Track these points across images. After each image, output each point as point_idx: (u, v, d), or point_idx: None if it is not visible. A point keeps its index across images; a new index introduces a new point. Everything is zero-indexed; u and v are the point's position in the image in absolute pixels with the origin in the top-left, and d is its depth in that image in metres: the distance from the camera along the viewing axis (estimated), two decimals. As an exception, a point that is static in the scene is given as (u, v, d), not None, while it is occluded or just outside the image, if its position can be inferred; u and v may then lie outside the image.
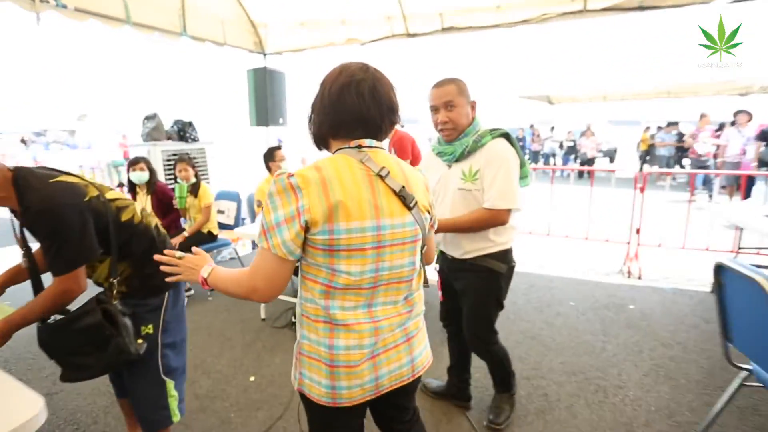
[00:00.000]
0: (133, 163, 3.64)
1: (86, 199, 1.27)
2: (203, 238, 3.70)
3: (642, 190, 3.91)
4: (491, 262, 1.68)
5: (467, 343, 1.87)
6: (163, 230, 1.57)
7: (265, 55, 4.99)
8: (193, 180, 3.70)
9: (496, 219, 1.58)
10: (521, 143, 12.73)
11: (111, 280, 1.37)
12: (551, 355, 2.57)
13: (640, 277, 3.82)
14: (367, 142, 0.95)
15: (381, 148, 0.99)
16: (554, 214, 4.81)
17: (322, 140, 1.01)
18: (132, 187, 3.73)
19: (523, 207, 1.62)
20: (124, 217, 1.40)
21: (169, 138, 4.64)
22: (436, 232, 1.36)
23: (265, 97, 4.46)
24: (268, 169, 3.66)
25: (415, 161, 3.59)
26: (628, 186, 4.45)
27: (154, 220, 1.55)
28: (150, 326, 1.47)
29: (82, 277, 1.27)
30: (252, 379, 2.43)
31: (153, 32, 3.87)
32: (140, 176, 3.60)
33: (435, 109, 1.62)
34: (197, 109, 4.89)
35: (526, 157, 5.48)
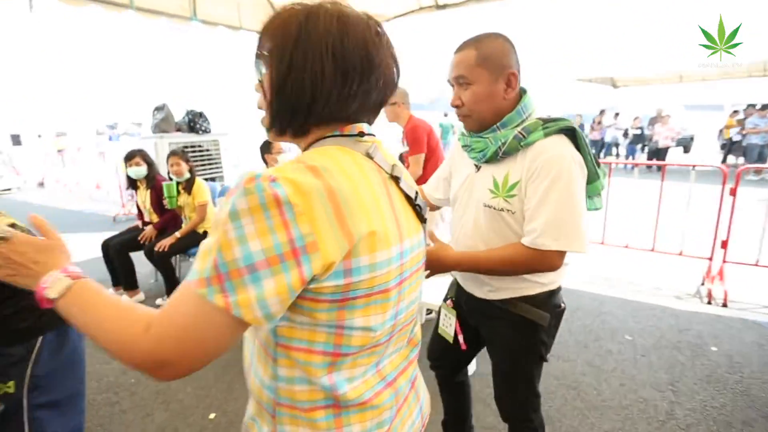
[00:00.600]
0: (129, 158, 3.43)
1: None
2: (198, 240, 3.39)
3: (733, 191, 3.03)
4: (529, 309, 1.15)
5: (499, 408, 1.33)
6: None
7: None
8: (187, 175, 3.38)
9: (540, 263, 1.04)
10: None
11: None
12: (593, 418, 1.91)
13: (725, 305, 2.96)
14: (366, 127, 0.66)
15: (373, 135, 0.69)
16: (612, 217, 3.90)
17: (294, 123, 0.63)
18: (132, 183, 3.55)
19: (588, 247, 1.05)
20: None
21: (179, 129, 4.41)
22: (449, 267, 1.09)
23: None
24: (266, 163, 3.27)
25: (432, 156, 2.94)
26: (709, 182, 3.51)
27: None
28: (11, 383, 1.08)
29: None
30: (212, 416, 2.04)
31: (159, 17, 3.62)
32: (137, 171, 3.40)
33: (451, 85, 1.12)
34: (212, 98, 4.63)
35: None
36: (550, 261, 1.02)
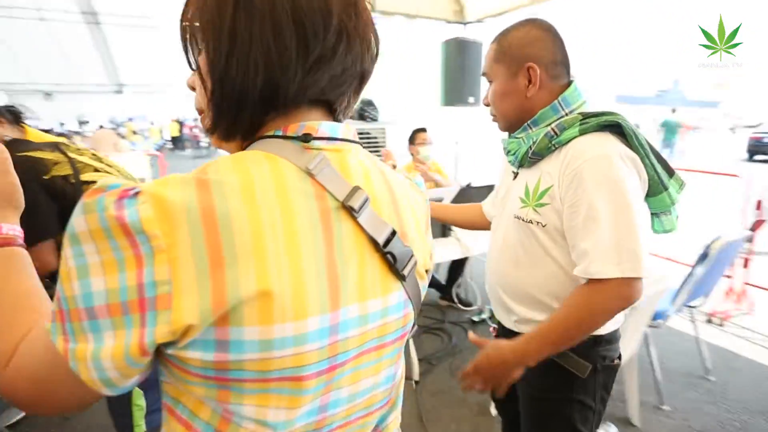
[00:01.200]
0: None
1: (46, 176, 1.20)
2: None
3: None
4: (567, 357, 0.90)
5: None
6: None
7: (465, 24, 4.30)
8: None
9: (609, 298, 0.78)
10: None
11: None
12: None
13: None
14: (323, 126, 0.45)
15: (349, 140, 0.48)
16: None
17: (242, 120, 0.44)
18: None
19: (650, 271, 0.78)
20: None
21: (351, 117, 4.48)
22: (510, 365, 0.83)
23: (458, 72, 3.76)
24: (412, 156, 3.16)
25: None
26: None
27: None
28: None
29: (47, 254, 1.17)
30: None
31: None
32: None
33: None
34: (383, 87, 4.59)
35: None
36: (619, 293, 0.78)
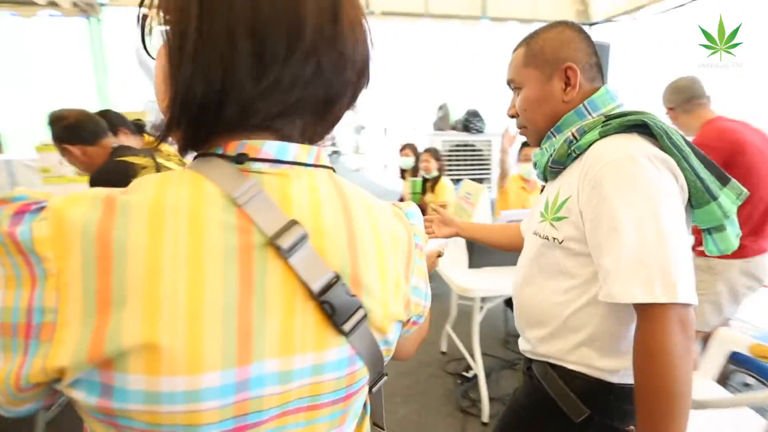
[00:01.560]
0: (402, 149, 3.70)
1: (133, 179, 1.33)
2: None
3: None
4: (555, 383, 0.79)
5: None
6: None
7: (591, 25, 3.86)
8: (434, 173, 3.30)
9: (657, 331, 0.61)
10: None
11: None
12: None
13: None
14: (268, 146, 0.39)
15: (306, 164, 0.41)
16: None
17: (200, 131, 0.40)
18: (402, 173, 3.80)
19: (695, 296, 0.62)
20: None
21: (453, 128, 4.38)
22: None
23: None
24: None
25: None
26: None
27: None
28: None
29: None
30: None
31: (452, 20, 3.67)
32: (405, 161, 3.62)
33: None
34: (490, 97, 4.38)
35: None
36: (663, 320, 0.60)
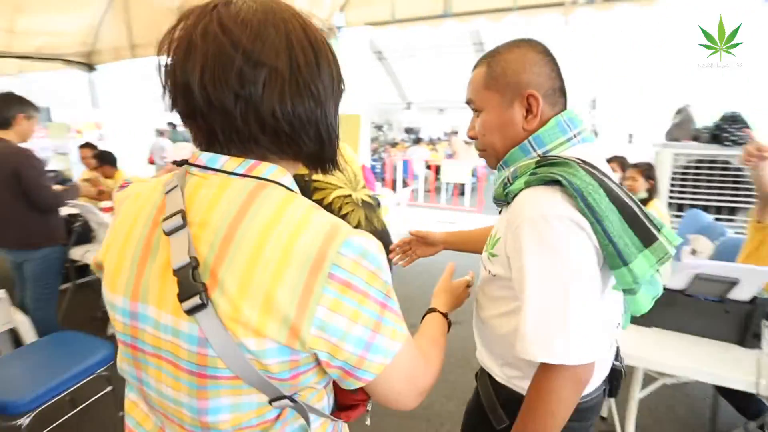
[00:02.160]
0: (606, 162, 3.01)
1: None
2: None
3: None
4: (486, 390, 0.88)
5: None
6: (374, 224, 1.61)
7: None
8: (642, 194, 2.57)
9: (554, 382, 0.67)
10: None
11: None
12: None
13: None
14: (203, 156, 0.52)
15: (232, 173, 0.51)
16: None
17: None
18: None
19: (599, 353, 0.68)
20: (316, 196, 1.60)
21: (695, 138, 3.28)
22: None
23: None
24: None
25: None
26: None
27: (359, 213, 1.56)
28: None
29: None
30: None
31: None
32: None
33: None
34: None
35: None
36: (554, 377, 0.67)
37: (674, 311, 1.42)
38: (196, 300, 0.44)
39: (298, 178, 1.85)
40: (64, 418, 1.82)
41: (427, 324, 0.77)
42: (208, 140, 0.51)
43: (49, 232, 2.17)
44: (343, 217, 1.80)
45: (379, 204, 2.00)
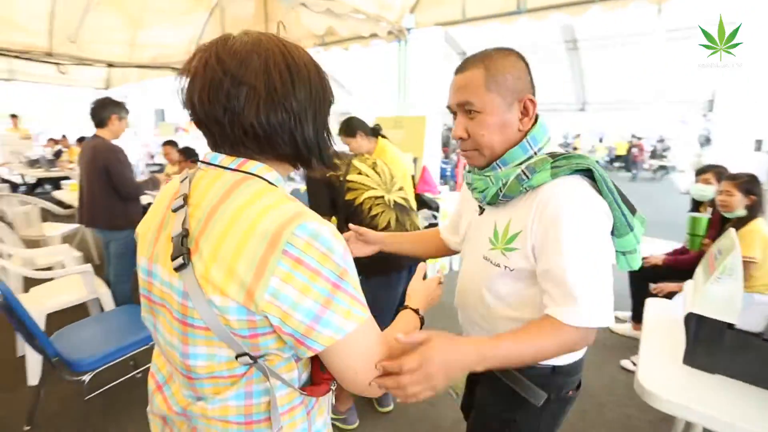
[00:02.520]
0: (700, 172, 2.71)
1: (327, 174, 1.75)
2: None
3: None
4: (519, 380, 0.93)
5: None
6: (406, 226, 1.81)
7: None
8: (740, 212, 2.17)
9: (567, 341, 0.79)
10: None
11: None
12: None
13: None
14: (208, 155, 0.67)
15: (227, 168, 0.64)
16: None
17: None
18: (695, 206, 2.80)
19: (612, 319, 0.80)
20: (348, 196, 1.75)
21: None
22: (466, 366, 0.73)
23: None
24: None
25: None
26: None
27: (389, 214, 1.77)
28: None
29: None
30: None
31: None
32: (701, 190, 2.66)
33: (452, 113, 0.91)
34: None
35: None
36: (585, 337, 0.79)
37: (747, 358, 1.15)
38: (180, 260, 0.57)
39: (333, 179, 1.84)
40: (122, 379, 2.06)
41: (399, 319, 0.82)
42: (212, 143, 0.65)
43: (130, 216, 2.48)
44: (373, 217, 1.78)
45: (413, 208, 1.95)
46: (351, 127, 2.43)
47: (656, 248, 2.97)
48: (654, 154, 14.10)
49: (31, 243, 3.60)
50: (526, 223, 0.82)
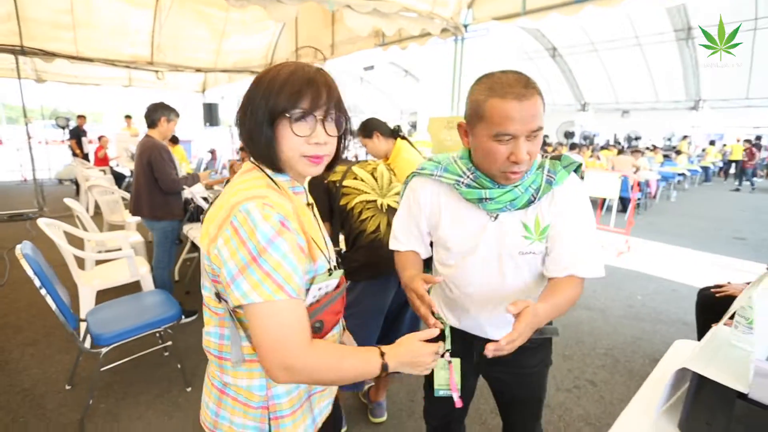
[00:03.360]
0: None
1: (325, 180, 1.75)
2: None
3: None
4: (548, 329, 1.15)
5: None
6: (377, 234, 1.76)
7: None
8: None
9: (582, 290, 1.03)
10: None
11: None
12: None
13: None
14: None
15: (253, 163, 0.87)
16: None
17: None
18: None
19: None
20: (342, 201, 1.75)
21: None
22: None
23: None
24: None
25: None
26: None
27: (380, 218, 1.75)
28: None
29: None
30: None
31: None
32: None
33: (508, 138, 0.92)
34: None
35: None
36: (582, 288, 1.03)
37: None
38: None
39: (330, 185, 1.83)
40: (130, 358, 2.28)
41: (359, 351, 0.79)
42: None
43: (169, 208, 2.73)
44: (362, 221, 1.73)
45: None
46: (368, 128, 2.38)
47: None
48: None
49: (116, 227, 4.17)
50: (553, 214, 1.02)
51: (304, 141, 0.75)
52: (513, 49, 14.43)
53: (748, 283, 2.35)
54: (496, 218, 1.04)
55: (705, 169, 12.43)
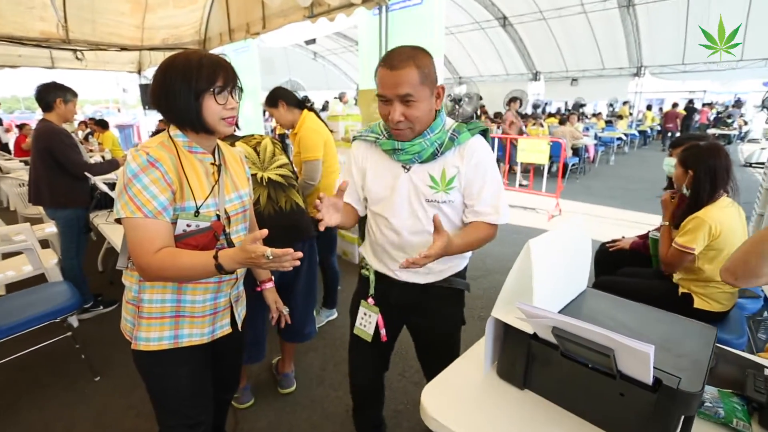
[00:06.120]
0: (675, 145, 2.38)
1: None
2: None
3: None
4: (460, 282, 1.38)
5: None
6: (280, 203, 1.80)
7: None
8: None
9: (493, 235, 1.28)
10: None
11: None
12: None
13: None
14: None
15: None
16: None
17: None
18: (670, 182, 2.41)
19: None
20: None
21: None
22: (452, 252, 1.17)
23: None
24: None
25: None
26: None
27: (259, 191, 1.76)
28: None
29: None
30: None
31: None
32: (671, 163, 2.24)
33: (385, 100, 1.16)
34: None
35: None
36: (494, 232, 1.26)
37: (550, 373, 0.96)
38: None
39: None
40: (31, 349, 2.20)
41: (196, 252, 1.00)
42: None
43: (73, 195, 2.60)
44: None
45: (291, 185, 1.85)
46: (273, 97, 2.37)
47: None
48: (717, 122, 12.48)
49: (33, 221, 3.95)
50: (459, 168, 1.21)
51: (221, 108, 1.02)
52: (463, 19, 14.39)
53: (639, 237, 2.56)
54: (408, 170, 1.24)
55: (642, 133, 13.02)
